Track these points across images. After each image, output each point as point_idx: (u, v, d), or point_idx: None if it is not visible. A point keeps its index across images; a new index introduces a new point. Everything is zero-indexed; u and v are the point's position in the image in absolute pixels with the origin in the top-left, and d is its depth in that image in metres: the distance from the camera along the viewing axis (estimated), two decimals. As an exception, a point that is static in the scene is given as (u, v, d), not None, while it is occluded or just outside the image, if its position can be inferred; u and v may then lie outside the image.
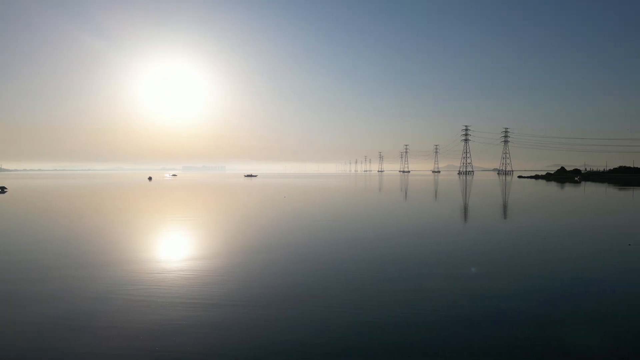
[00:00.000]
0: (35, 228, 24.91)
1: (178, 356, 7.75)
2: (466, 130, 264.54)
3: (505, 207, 39.91)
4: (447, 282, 12.68)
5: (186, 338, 8.51)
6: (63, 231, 23.56)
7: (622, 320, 9.54)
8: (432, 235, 22.06)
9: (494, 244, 19.37)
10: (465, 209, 37.95)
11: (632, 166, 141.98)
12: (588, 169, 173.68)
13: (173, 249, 18.46)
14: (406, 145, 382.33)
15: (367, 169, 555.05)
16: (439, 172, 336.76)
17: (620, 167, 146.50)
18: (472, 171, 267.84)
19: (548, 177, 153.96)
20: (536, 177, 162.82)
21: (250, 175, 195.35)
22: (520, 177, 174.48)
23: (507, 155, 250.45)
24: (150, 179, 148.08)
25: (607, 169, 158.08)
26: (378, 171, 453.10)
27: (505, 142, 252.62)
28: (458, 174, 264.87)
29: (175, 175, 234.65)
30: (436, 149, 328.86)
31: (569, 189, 76.31)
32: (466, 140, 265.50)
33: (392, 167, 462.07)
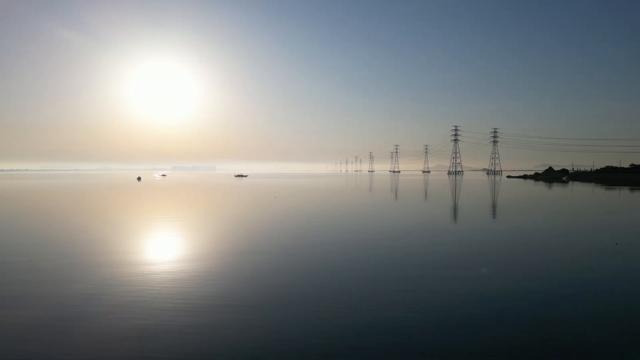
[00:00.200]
0: (22, 229, 24.46)
1: (167, 357, 7.60)
2: (456, 130, 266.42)
3: (496, 207, 40.17)
4: (442, 282, 12.65)
5: (176, 340, 8.34)
6: (50, 232, 23.16)
7: (619, 320, 9.57)
8: (425, 236, 22.07)
9: (488, 244, 19.42)
10: (458, 209, 38.13)
11: (618, 166, 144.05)
12: (575, 169, 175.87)
13: (162, 250, 18.22)
14: (396, 145, 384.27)
15: (358, 169, 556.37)
16: (428, 172, 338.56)
17: (607, 167, 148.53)
18: (462, 171, 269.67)
19: (536, 176, 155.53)
20: (525, 177, 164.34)
21: (241, 175, 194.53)
22: (509, 177, 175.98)
23: (496, 155, 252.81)
24: (139, 179, 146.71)
25: (594, 168, 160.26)
26: (368, 171, 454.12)
27: (494, 142, 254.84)
28: (448, 174, 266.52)
29: (164, 175, 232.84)
30: (426, 149, 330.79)
31: (557, 188, 77.12)
32: (456, 140, 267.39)
33: (382, 167, 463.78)
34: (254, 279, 12.93)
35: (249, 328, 8.99)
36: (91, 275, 13.30)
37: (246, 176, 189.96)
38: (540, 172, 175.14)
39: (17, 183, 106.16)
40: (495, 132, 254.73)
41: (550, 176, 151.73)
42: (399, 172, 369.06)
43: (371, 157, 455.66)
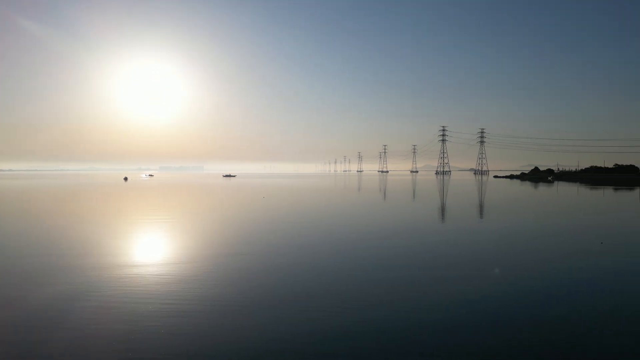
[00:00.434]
0: (5, 231, 24.00)
1: (155, 358, 7.50)
2: (443, 130, 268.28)
3: (484, 207, 40.53)
4: (431, 282, 12.70)
5: (164, 342, 8.23)
6: (34, 234, 22.75)
7: (609, 319, 9.69)
8: (414, 236, 22.15)
9: (475, 244, 19.55)
10: (446, 209, 38.38)
11: (602, 166, 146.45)
12: (561, 169, 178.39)
13: (148, 252, 18.02)
14: (385, 145, 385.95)
15: (347, 169, 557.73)
16: (417, 172, 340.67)
17: (591, 167, 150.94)
18: (449, 171, 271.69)
19: (522, 176, 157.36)
20: (511, 176, 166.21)
21: (229, 176, 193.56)
22: (496, 177, 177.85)
23: (483, 156, 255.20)
24: (126, 179, 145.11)
25: (579, 168, 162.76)
26: (357, 171, 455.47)
27: (481, 142, 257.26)
28: (435, 173, 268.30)
29: (151, 175, 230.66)
30: (414, 149, 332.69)
31: (543, 188, 78.11)
32: (443, 140, 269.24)
33: (371, 167, 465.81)
34: (243, 280, 12.83)
35: (238, 329, 8.90)
36: (76, 277, 13.08)
37: (234, 176, 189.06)
38: (527, 172, 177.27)
39: (0, 184, 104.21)
40: (482, 132, 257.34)
41: (536, 176, 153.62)
42: (387, 172, 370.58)
43: (360, 157, 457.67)
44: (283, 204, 43.17)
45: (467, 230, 24.18)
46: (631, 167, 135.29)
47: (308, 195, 56.65)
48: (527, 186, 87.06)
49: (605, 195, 57.44)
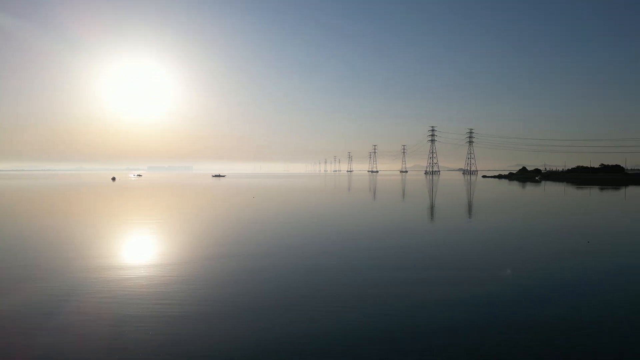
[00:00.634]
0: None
1: (141, 359, 7.40)
2: (433, 131, 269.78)
3: (472, 207, 40.82)
4: (421, 283, 12.73)
5: (150, 344, 8.12)
6: (18, 235, 22.38)
7: (599, 318, 9.80)
8: (404, 236, 22.21)
9: (464, 244, 19.66)
10: (435, 209, 38.59)
11: (588, 166, 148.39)
12: (548, 169, 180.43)
13: (136, 253, 17.82)
14: (374, 145, 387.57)
15: (337, 169, 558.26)
16: (406, 172, 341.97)
17: (577, 166, 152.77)
18: (439, 171, 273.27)
19: (510, 176, 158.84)
20: (499, 176, 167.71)
21: (219, 176, 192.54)
22: (484, 176, 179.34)
23: (472, 156, 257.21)
24: (113, 179, 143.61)
25: (566, 168, 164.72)
26: (347, 171, 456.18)
27: (470, 142, 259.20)
28: (425, 173, 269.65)
29: (140, 175, 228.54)
30: (404, 149, 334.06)
31: (530, 188, 78.94)
32: (432, 140, 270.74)
33: (360, 167, 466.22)
34: (232, 281, 12.74)
35: (228, 330, 8.82)
36: (61, 279, 12.86)
37: (224, 176, 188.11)
38: (515, 172, 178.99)
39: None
40: (470, 132, 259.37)
41: (523, 176, 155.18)
42: (377, 172, 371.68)
43: (350, 157, 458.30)
44: (273, 204, 43.05)
45: (456, 230, 24.33)
46: (616, 167, 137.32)
47: (298, 195, 56.57)
48: (515, 186, 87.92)
49: (592, 195, 58.23)
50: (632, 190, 67.78)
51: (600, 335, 8.70)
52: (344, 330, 8.90)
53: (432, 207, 39.10)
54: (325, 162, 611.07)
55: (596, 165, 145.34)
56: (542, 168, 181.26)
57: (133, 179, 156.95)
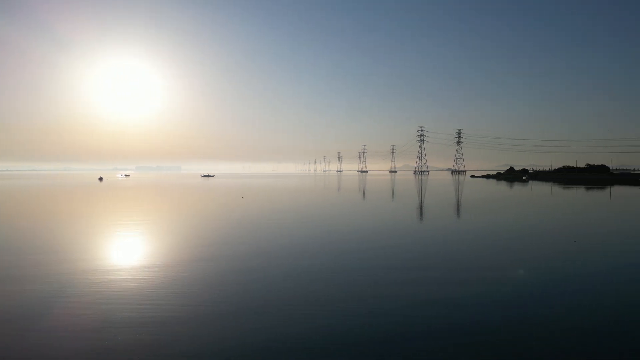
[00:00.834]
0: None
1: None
2: (421, 131, 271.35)
3: (461, 207, 41.10)
4: (411, 283, 12.77)
5: (137, 347, 8.03)
6: (5, 236, 22.00)
7: (589, 319, 9.90)
8: (394, 236, 22.26)
9: (453, 244, 19.77)
10: (424, 209, 38.78)
11: (575, 166, 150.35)
12: (535, 169, 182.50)
13: (123, 256, 17.61)
14: (364, 145, 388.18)
15: (327, 169, 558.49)
16: (395, 172, 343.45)
17: (564, 166, 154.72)
18: (427, 171, 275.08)
19: (498, 176, 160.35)
20: (487, 176, 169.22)
21: (207, 176, 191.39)
22: (472, 176, 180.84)
23: (460, 156, 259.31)
24: (101, 179, 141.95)
25: (552, 168, 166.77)
26: (337, 171, 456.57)
27: (458, 142, 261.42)
28: (414, 173, 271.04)
29: (127, 175, 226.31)
30: (393, 149, 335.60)
31: (518, 187, 79.77)
32: (421, 140, 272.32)
33: (350, 167, 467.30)
34: (221, 283, 12.65)
35: (217, 332, 8.75)
36: (47, 281, 12.67)
37: (213, 176, 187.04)
38: (502, 171, 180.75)
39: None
40: (459, 132, 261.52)
41: (511, 176, 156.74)
42: (366, 172, 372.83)
43: (339, 157, 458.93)
44: (262, 204, 42.90)
45: (444, 230, 24.48)
46: (602, 167, 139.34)
47: (288, 195, 56.46)
48: (502, 185, 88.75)
49: (578, 195, 59.01)
50: (617, 190, 68.86)
51: (590, 335, 8.80)
52: (335, 331, 8.88)
53: (421, 207, 39.30)
54: (315, 162, 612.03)
55: (582, 165, 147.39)
56: (529, 168, 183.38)
57: (120, 179, 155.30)
